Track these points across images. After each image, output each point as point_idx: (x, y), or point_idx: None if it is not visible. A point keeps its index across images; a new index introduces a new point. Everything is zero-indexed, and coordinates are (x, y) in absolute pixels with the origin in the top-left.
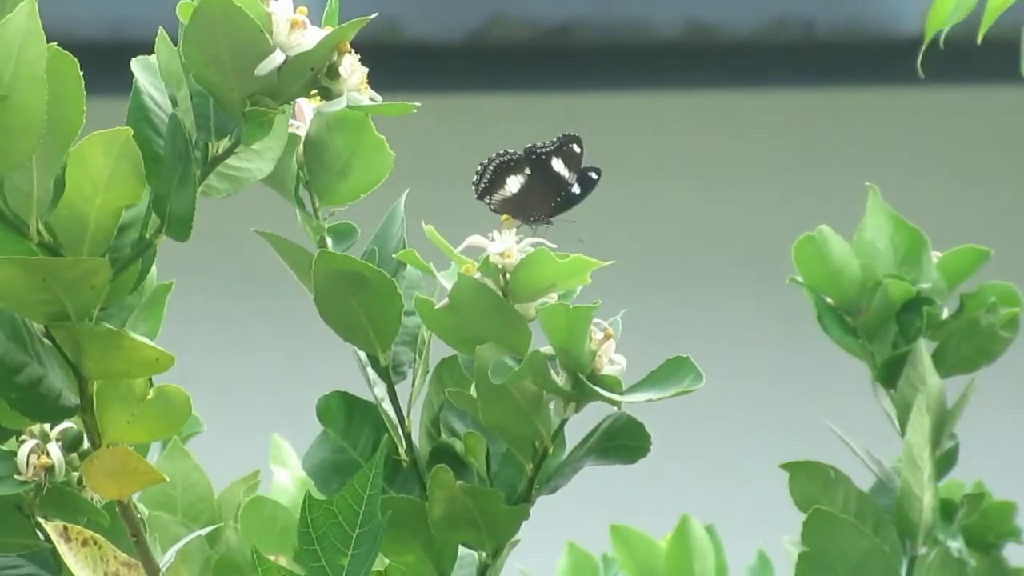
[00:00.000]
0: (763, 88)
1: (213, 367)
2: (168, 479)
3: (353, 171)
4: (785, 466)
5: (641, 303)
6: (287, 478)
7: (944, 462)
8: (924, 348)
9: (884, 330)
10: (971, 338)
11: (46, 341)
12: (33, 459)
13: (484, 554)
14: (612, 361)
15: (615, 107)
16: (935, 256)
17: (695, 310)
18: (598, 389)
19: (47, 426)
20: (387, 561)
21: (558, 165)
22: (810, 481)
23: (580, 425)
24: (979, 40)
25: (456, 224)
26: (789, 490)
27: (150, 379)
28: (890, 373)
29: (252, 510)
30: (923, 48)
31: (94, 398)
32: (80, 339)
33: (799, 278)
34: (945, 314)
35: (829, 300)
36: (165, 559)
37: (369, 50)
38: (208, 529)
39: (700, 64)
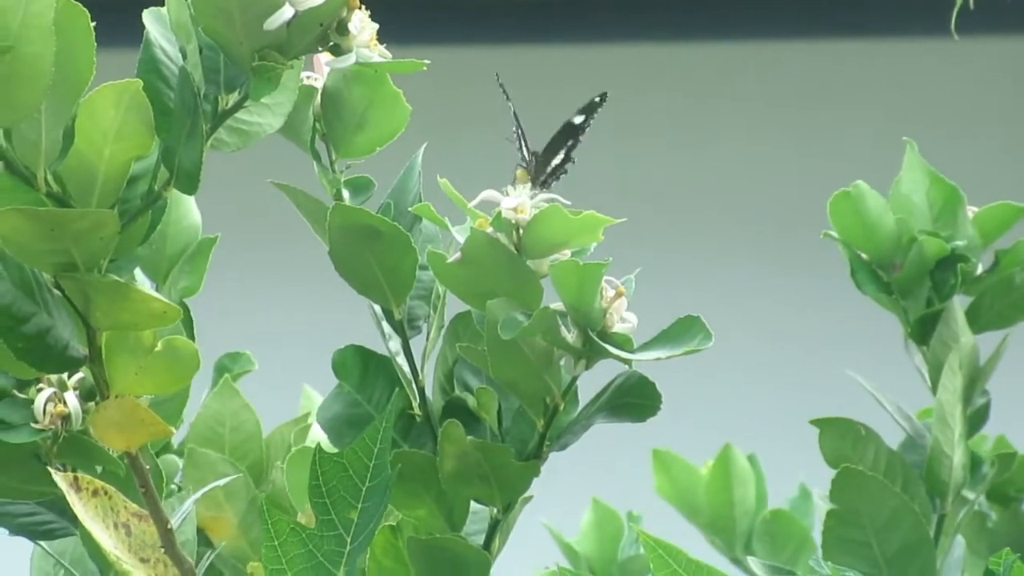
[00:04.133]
0: (771, 40)
1: (254, 317)
2: (216, 418)
3: (369, 124)
4: (815, 422)
5: (656, 261)
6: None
7: (975, 419)
8: (958, 306)
9: (918, 287)
10: (1006, 294)
11: (55, 292)
12: (50, 407)
13: (495, 509)
14: (623, 319)
15: (628, 59)
16: (971, 212)
17: (713, 267)
18: (608, 347)
19: (64, 375)
20: (399, 515)
21: (579, 118)
22: (840, 438)
23: (594, 383)
24: None
25: (473, 178)
26: (819, 446)
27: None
28: (923, 330)
29: (298, 461)
30: (958, 5)
31: (102, 349)
32: (88, 290)
33: (833, 233)
34: (980, 270)
35: (863, 255)
36: (198, 495)
37: (376, 3)
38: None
39: (715, 16)
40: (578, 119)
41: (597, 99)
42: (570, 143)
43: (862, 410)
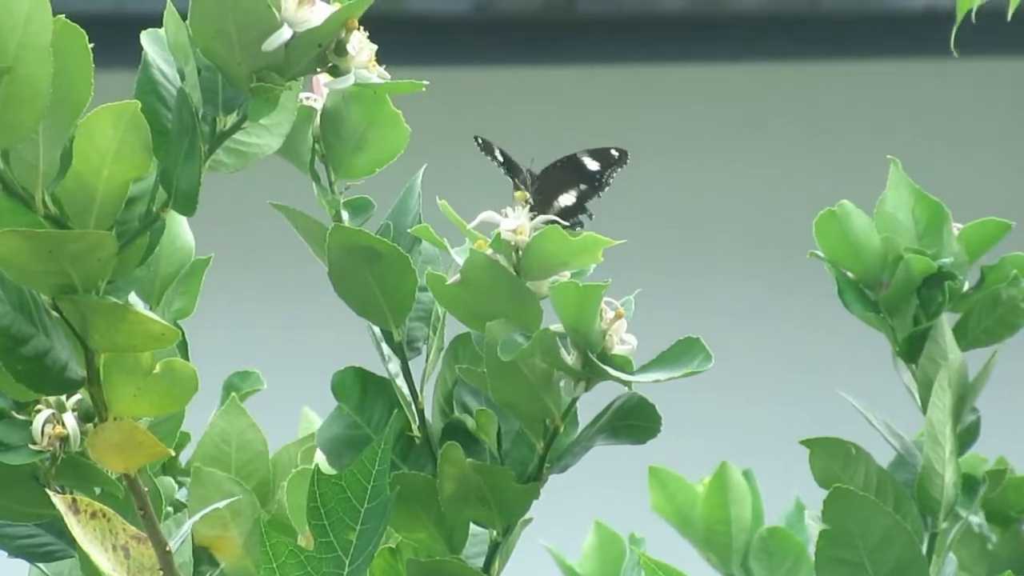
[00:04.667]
0: (769, 62)
1: (253, 338)
2: (223, 437)
3: (369, 144)
4: (806, 442)
5: (654, 281)
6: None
7: (966, 436)
8: (946, 323)
9: (905, 305)
10: (992, 311)
11: (53, 313)
12: (48, 428)
13: (495, 532)
14: (623, 341)
15: (621, 80)
16: (956, 228)
17: (708, 287)
18: (608, 368)
19: (63, 396)
20: (399, 537)
21: (593, 164)
22: (831, 458)
23: (594, 405)
24: (1009, 17)
25: (472, 199)
26: (810, 466)
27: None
28: (911, 348)
29: (298, 482)
30: (957, 23)
31: (100, 371)
32: (86, 312)
33: (820, 253)
34: (966, 287)
35: (850, 275)
36: (197, 518)
37: (374, 24)
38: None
39: (706, 37)
40: (590, 163)
41: (615, 152)
42: (583, 188)
43: (852, 429)
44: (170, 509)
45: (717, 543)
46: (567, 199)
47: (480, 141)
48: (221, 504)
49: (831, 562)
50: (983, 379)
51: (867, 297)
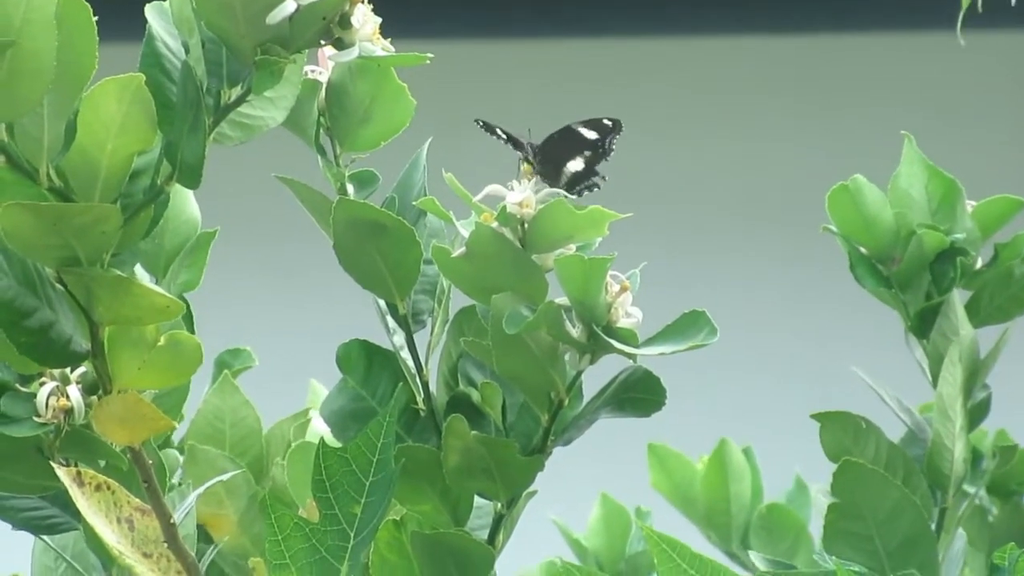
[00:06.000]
0: (774, 34)
1: (258, 311)
2: (216, 414)
3: (374, 117)
4: (816, 416)
5: (660, 255)
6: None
7: (976, 412)
8: (957, 298)
9: (918, 280)
10: (1005, 288)
11: (58, 286)
12: (52, 401)
13: (499, 504)
14: (628, 314)
15: (626, 53)
16: (969, 205)
17: (714, 261)
18: (613, 341)
19: (67, 369)
20: (403, 509)
21: (591, 134)
22: (841, 431)
23: (598, 377)
24: None
25: (477, 172)
26: (820, 440)
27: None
28: (923, 323)
29: (299, 455)
30: (964, 4)
31: (105, 344)
32: (91, 285)
33: (832, 227)
34: (979, 264)
35: (862, 249)
36: (201, 490)
37: None
38: (226, 476)
39: (710, 9)
40: (586, 132)
41: (608, 122)
42: (588, 154)
43: (863, 403)
44: (175, 481)
45: (717, 521)
46: (575, 165)
47: (481, 123)
48: (217, 480)
49: (840, 535)
50: (995, 355)
51: (879, 272)
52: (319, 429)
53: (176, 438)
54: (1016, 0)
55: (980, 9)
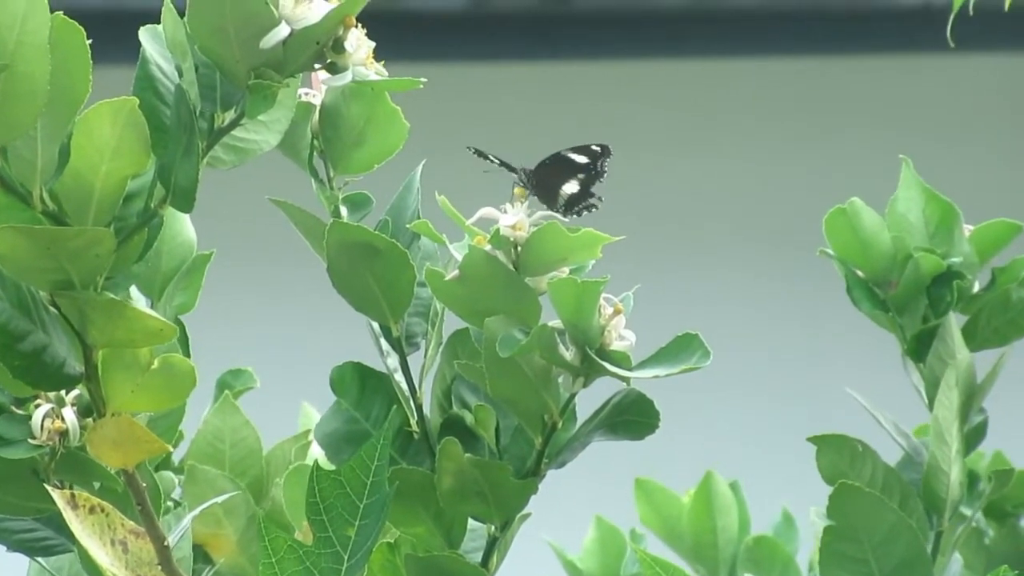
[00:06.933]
0: (768, 57)
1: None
2: (216, 435)
3: (368, 140)
4: (813, 439)
5: (654, 278)
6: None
7: (973, 436)
8: (954, 322)
9: (914, 303)
10: (1002, 312)
11: (52, 309)
12: (48, 423)
13: (493, 527)
14: (621, 336)
15: (619, 76)
16: (967, 229)
17: (709, 285)
18: (606, 364)
19: (62, 391)
20: (397, 532)
21: (581, 158)
22: (837, 454)
23: (591, 400)
24: (1007, 7)
25: (471, 195)
26: (816, 463)
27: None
28: (920, 347)
29: (295, 478)
30: (952, 16)
31: (99, 367)
32: (84, 308)
33: (829, 250)
34: (976, 288)
35: (859, 273)
36: (197, 512)
37: (371, 20)
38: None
39: (704, 32)
40: (577, 157)
41: (596, 148)
42: (582, 176)
43: (859, 426)
44: (170, 504)
45: (704, 555)
46: (571, 187)
47: (474, 150)
48: (215, 500)
49: (835, 557)
50: (991, 380)
51: (876, 295)
52: (317, 452)
53: (176, 458)
54: (1009, 6)
55: (971, 12)
